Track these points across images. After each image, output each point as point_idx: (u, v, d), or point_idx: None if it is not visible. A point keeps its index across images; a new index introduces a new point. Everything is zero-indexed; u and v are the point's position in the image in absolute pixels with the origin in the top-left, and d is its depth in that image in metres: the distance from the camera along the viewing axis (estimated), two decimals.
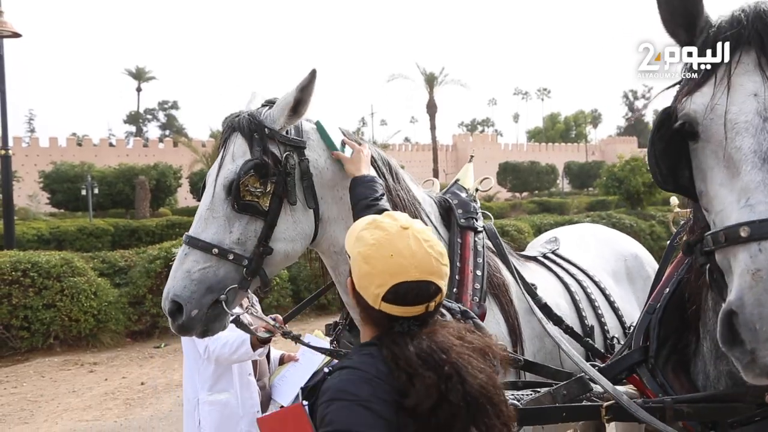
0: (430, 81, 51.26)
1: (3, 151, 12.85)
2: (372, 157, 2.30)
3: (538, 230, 14.93)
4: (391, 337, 1.42)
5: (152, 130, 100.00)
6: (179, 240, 10.74)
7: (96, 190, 41.09)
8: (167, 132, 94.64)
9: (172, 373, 8.00)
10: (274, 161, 2.04)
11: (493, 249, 2.52)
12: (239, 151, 2.06)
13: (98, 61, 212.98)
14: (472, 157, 3.05)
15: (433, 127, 52.68)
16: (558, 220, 17.49)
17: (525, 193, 58.73)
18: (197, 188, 50.04)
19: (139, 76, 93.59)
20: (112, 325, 9.65)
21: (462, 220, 2.42)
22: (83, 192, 40.82)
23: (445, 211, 2.50)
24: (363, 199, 2.02)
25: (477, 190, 2.71)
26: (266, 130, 2.06)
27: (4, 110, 12.77)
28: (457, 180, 2.71)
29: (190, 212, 41.00)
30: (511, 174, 58.23)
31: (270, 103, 2.16)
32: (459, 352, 1.39)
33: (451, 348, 1.40)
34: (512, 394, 1.90)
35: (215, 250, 1.98)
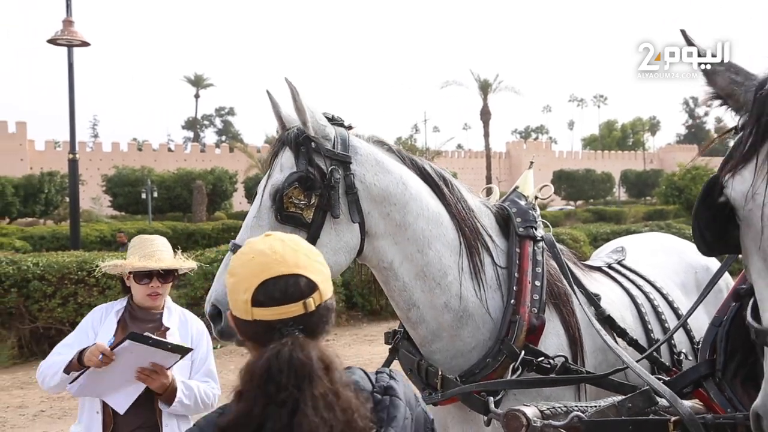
0: (484, 88, 50.97)
1: (71, 156, 13.35)
2: (425, 171, 2.30)
3: (594, 239, 14.68)
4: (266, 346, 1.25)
5: (209, 136, 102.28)
6: None
7: (155, 194, 42.14)
8: (224, 137, 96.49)
9: (228, 374, 8.14)
10: (319, 174, 2.06)
11: (554, 259, 2.47)
12: (287, 164, 2.10)
13: (158, 69, 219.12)
14: (531, 163, 3.00)
15: (486, 134, 52.34)
16: (615, 229, 17.15)
17: (579, 202, 57.72)
18: (252, 193, 50.87)
19: (198, 82, 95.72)
20: None
21: (520, 229, 2.39)
22: (143, 195, 41.91)
23: (503, 220, 2.47)
24: None
25: (536, 197, 2.66)
26: (312, 144, 2.10)
27: (72, 116, 13.27)
28: (516, 187, 2.68)
29: (245, 216, 41.35)
30: (565, 182, 57.39)
31: (334, 120, 2.20)
32: (315, 386, 1.21)
33: (309, 377, 1.21)
34: (576, 406, 1.87)
35: None
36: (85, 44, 12.94)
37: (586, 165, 68.14)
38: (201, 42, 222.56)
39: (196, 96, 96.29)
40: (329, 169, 2.08)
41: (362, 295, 11.02)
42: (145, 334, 2.61)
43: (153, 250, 2.96)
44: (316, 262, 1.35)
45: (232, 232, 26.37)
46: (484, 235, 2.33)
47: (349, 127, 2.25)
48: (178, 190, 43.77)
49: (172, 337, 2.90)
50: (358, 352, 9.28)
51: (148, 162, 56.82)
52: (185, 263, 3.02)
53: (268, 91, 2.24)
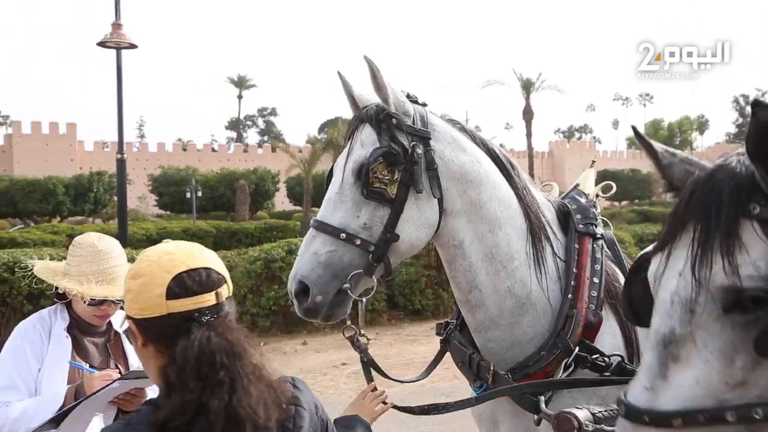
0: (527, 87, 50.47)
1: (118, 156, 13.64)
2: (495, 153, 2.30)
3: (640, 240, 14.42)
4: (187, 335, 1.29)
5: (252, 136, 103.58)
6: (279, 242, 11.16)
7: (199, 193, 42.89)
8: (266, 138, 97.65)
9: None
10: (401, 150, 2.06)
11: (612, 258, 2.44)
12: (368, 140, 2.10)
13: (203, 70, 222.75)
14: (593, 162, 2.96)
15: (529, 134, 51.84)
16: (661, 230, 16.74)
17: (624, 202, 56.74)
18: (294, 192, 51.35)
19: (241, 83, 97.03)
20: None
21: (580, 226, 2.35)
22: (188, 195, 42.71)
23: (563, 216, 2.44)
24: None
25: (597, 195, 2.64)
26: (394, 120, 2.10)
27: (120, 117, 13.56)
28: (577, 185, 2.65)
29: (287, 216, 41.99)
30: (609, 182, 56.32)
31: (410, 98, 2.19)
32: (244, 364, 1.28)
33: (239, 357, 1.28)
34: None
35: (343, 235, 2.01)
36: (132, 46, 13.20)
37: (630, 165, 66.95)
38: (244, 43, 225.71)
39: (239, 97, 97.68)
40: (411, 145, 2.08)
41: (404, 295, 11.01)
42: (133, 370, 2.27)
43: (112, 272, 2.37)
44: (217, 259, 1.44)
45: (275, 231, 26.64)
46: (546, 225, 2.31)
47: (424, 104, 2.25)
48: (221, 189, 44.43)
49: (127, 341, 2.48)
50: (400, 351, 9.27)
51: (193, 162, 57.80)
52: None
53: (339, 72, 2.25)
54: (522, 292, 2.20)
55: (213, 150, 74.02)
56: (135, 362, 2.47)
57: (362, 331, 2.23)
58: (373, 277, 2.09)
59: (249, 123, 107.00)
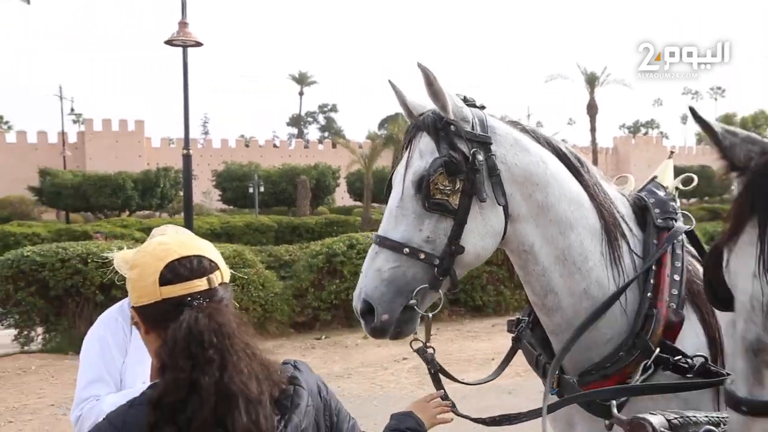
0: (591, 81, 49.43)
1: (185, 151, 13.96)
2: (561, 151, 2.21)
3: (711, 238, 13.91)
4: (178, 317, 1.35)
5: (312, 132, 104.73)
6: (340, 237, 11.24)
7: (261, 188, 43.64)
8: (326, 134, 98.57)
9: (332, 365, 8.29)
10: (462, 158, 1.99)
11: (694, 254, 2.32)
12: (426, 149, 2.03)
13: (265, 67, 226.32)
14: (672, 153, 2.81)
15: (593, 129, 50.82)
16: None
17: (693, 200, 54.95)
18: (354, 188, 51.66)
19: (302, 80, 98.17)
20: (277, 315, 10.16)
21: (659, 221, 2.24)
22: (250, 190, 43.53)
23: (640, 210, 2.33)
24: None
25: (677, 188, 2.51)
26: (452, 127, 2.03)
27: (186, 114, 13.88)
28: (655, 177, 2.52)
29: (347, 211, 42.35)
30: (690, 174, 54.67)
31: (468, 102, 2.13)
32: (234, 342, 1.33)
33: (229, 336, 1.33)
34: (712, 416, 1.73)
35: (406, 250, 1.95)
36: (198, 44, 13.48)
37: (700, 161, 64.56)
38: (305, 40, 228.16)
39: (301, 93, 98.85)
40: (471, 152, 2.00)
41: (465, 291, 10.92)
42: None
43: None
44: (211, 248, 1.50)
45: (335, 226, 26.91)
46: (621, 222, 2.21)
47: (482, 107, 2.18)
48: (283, 184, 45.13)
49: None
50: (461, 347, 9.21)
51: (255, 158, 58.75)
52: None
53: (390, 81, 2.20)
54: (598, 293, 2.12)
55: (275, 146, 75.12)
56: None
57: (429, 344, 2.18)
58: (440, 291, 2.02)
59: (310, 119, 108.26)
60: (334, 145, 67.72)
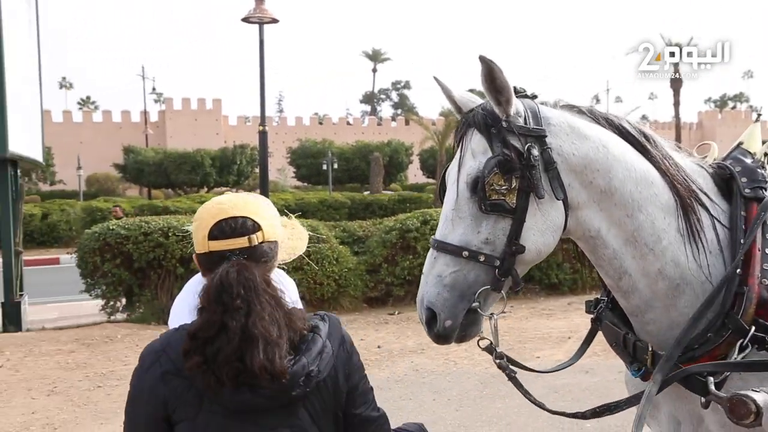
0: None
1: (260, 127, 14.24)
2: (624, 129, 2.09)
3: None
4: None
5: (385, 109, 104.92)
6: (414, 213, 11.21)
7: (335, 165, 44.09)
8: (399, 111, 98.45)
9: (405, 340, 8.30)
10: (516, 155, 1.91)
11: None
12: (479, 148, 1.96)
13: (338, 45, 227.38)
14: (759, 116, 2.63)
15: (676, 103, 48.69)
16: None
17: None
18: (427, 165, 51.52)
19: (375, 57, 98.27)
20: (351, 290, 10.26)
21: (746, 190, 2.09)
22: (324, 167, 44.12)
23: (724, 181, 2.18)
24: None
25: (766, 155, 2.31)
26: (504, 123, 1.94)
27: (262, 90, 14.13)
28: (740, 143, 2.34)
29: (420, 188, 42.36)
30: None
31: (518, 92, 2.03)
32: (259, 294, 1.53)
33: (254, 288, 1.53)
34: None
35: (465, 253, 1.91)
36: (274, 21, 13.66)
37: None
38: (379, 17, 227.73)
39: (374, 70, 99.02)
40: (526, 147, 1.92)
41: (540, 269, 10.72)
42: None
43: None
44: (265, 212, 1.70)
45: (408, 203, 26.94)
46: (700, 194, 2.08)
47: (534, 96, 2.08)
48: (356, 161, 45.51)
49: (285, 298, 2.54)
50: (535, 325, 9.06)
51: (329, 135, 59.42)
52: (303, 241, 2.41)
53: (435, 78, 2.14)
54: (675, 272, 2.02)
55: (348, 123, 75.72)
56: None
57: (498, 347, 2.08)
58: (502, 291, 1.97)
59: (383, 96, 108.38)
60: (407, 122, 67.72)
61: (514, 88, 2.01)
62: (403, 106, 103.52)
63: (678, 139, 46.68)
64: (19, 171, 11.47)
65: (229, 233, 1.60)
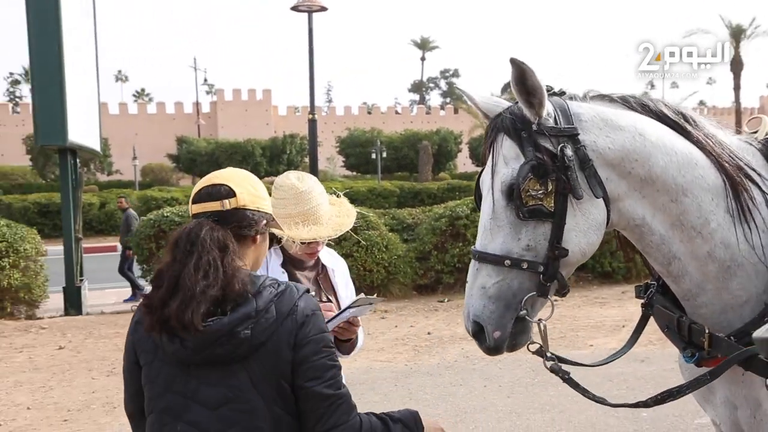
0: (737, 34, 45.59)
1: (310, 116, 14.38)
2: (662, 113, 2.02)
3: None
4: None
5: (434, 98, 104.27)
6: (464, 200, 11.14)
7: (384, 154, 44.11)
8: (448, 99, 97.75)
9: (455, 327, 8.27)
10: (549, 157, 1.86)
11: None
12: (510, 154, 1.91)
13: (387, 33, 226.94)
14: None
15: (737, 87, 47.06)
16: None
17: None
18: (476, 153, 51.19)
19: (424, 45, 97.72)
20: (400, 277, 10.28)
21: None
22: (373, 156, 44.19)
23: None
24: None
25: None
26: (534, 126, 1.89)
27: (312, 79, 14.20)
28: None
29: (470, 177, 42.00)
30: None
31: (547, 91, 1.95)
32: (202, 250, 1.65)
33: (200, 244, 1.66)
34: None
35: (507, 262, 1.87)
36: (323, 9, 13.71)
37: None
38: (427, 5, 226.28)
39: (422, 59, 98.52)
40: (558, 149, 1.86)
41: (593, 257, 10.45)
42: (361, 296, 2.40)
43: (315, 211, 2.47)
44: (247, 182, 1.82)
45: (457, 192, 26.75)
46: (749, 170, 2.00)
47: (562, 93, 2.02)
48: (405, 150, 45.43)
49: (338, 276, 2.68)
50: (588, 314, 8.92)
51: (377, 124, 59.44)
52: (350, 218, 2.59)
53: (457, 87, 2.15)
54: (725, 254, 1.95)
55: (396, 112, 75.53)
56: (343, 294, 2.65)
57: (549, 351, 2.04)
58: (549, 296, 1.93)
59: (431, 85, 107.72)
60: (455, 111, 67.21)
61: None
62: (452, 94, 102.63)
63: (738, 124, 44.80)
64: (78, 160, 11.82)
65: (205, 198, 1.77)
